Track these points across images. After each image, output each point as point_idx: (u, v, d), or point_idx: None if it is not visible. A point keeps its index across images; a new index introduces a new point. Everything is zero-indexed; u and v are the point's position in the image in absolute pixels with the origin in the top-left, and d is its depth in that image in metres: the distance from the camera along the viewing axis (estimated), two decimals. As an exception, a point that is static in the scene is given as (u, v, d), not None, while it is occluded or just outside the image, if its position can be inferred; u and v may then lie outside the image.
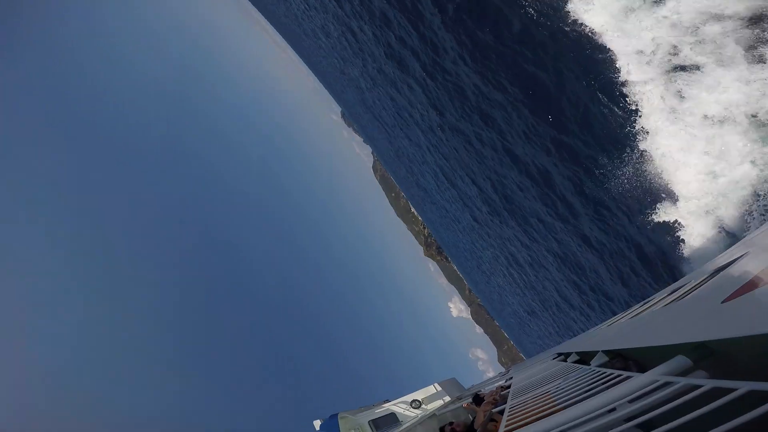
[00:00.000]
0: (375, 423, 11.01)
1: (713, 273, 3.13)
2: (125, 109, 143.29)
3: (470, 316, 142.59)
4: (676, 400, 1.14)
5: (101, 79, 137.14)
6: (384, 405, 11.57)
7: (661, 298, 4.16)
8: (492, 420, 3.41)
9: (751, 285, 1.84)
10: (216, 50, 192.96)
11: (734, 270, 2.54)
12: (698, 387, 1.12)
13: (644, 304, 4.93)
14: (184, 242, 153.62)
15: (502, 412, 2.92)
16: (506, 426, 2.13)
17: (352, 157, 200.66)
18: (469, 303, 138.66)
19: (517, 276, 36.90)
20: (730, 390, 0.97)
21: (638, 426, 1.23)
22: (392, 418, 11.09)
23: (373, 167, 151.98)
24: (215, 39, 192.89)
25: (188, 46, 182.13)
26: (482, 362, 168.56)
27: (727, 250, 3.87)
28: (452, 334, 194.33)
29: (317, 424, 11.51)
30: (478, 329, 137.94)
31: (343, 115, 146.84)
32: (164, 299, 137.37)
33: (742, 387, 0.95)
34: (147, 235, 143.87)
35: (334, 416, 11.34)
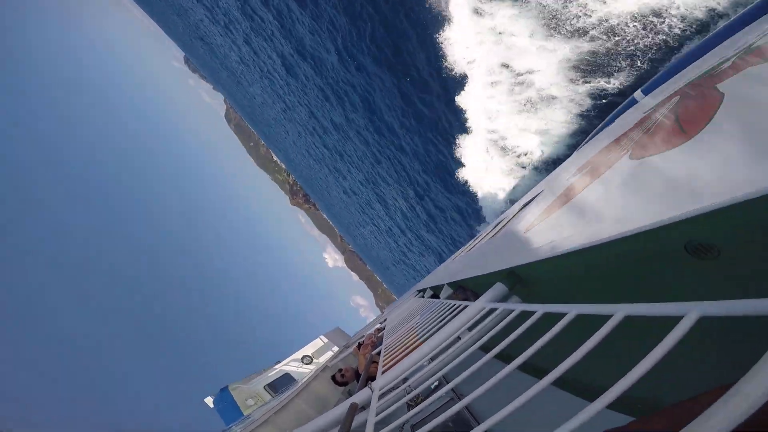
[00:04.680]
0: (271, 386, 11.13)
1: (523, 207, 3.59)
2: None
3: (344, 264, 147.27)
4: (500, 323, 1.26)
5: None
6: (276, 367, 11.78)
7: (488, 231, 4.61)
8: (373, 362, 3.50)
9: (544, 215, 2.15)
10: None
11: (536, 200, 3.03)
12: (512, 311, 1.25)
13: (477, 238, 5.45)
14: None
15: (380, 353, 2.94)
16: (383, 365, 2.14)
17: (200, 106, 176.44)
18: (342, 251, 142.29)
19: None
20: (531, 313, 1.07)
21: (481, 348, 1.34)
22: (287, 378, 11.30)
23: (226, 116, 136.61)
24: None
25: None
26: (363, 308, 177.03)
27: (534, 187, 4.67)
28: (331, 285, 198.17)
29: (209, 401, 11.24)
30: (354, 276, 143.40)
31: (186, 61, 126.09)
32: None
33: (540, 310, 1.05)
34: None
35: (225, 389, 11.15)
